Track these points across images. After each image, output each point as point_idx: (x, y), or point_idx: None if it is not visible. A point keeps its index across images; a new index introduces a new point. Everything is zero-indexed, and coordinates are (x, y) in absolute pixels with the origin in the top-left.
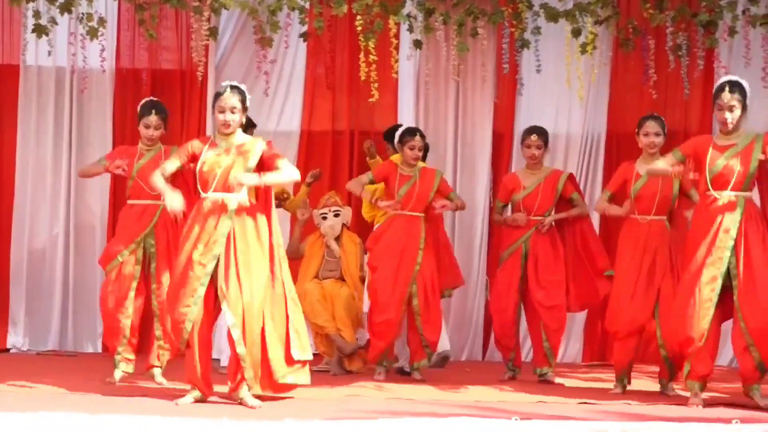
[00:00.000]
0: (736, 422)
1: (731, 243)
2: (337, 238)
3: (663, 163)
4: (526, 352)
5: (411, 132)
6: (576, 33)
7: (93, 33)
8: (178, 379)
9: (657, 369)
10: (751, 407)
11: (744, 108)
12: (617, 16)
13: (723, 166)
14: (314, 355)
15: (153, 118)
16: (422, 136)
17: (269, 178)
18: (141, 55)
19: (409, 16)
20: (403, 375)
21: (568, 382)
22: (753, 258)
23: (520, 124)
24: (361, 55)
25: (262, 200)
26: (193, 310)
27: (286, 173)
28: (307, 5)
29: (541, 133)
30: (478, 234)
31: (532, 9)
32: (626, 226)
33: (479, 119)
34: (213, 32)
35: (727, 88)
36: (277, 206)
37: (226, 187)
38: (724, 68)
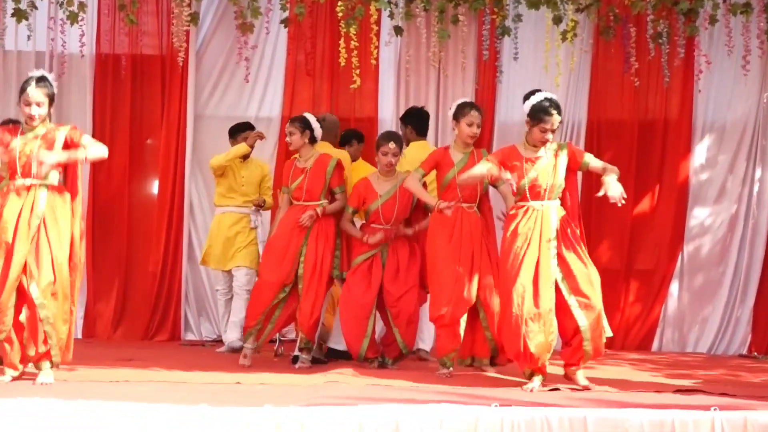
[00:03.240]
0: (715, 409)
1: (554, 251)
2: None
3: (479, 169)
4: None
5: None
6: (557, 20)
7: (73, 18)
8: None
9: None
10: (730, 394)
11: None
12: (598, 4)
13: (535, 176)
14: (294, 341)
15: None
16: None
17: (73, 155)
18: (121, 40)
19: (390, 2)
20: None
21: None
22: (575, 261)
23: (501, 111)
24: (342, 42)
25: (70, 183)
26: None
27: (92, 150)
28: None
29: (397, 140)
30: None
31: None
32: (438, 213)
33: None
34: (194, 18)
35: (555, 114)
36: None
37: (36, 173)
38: (704, 56)
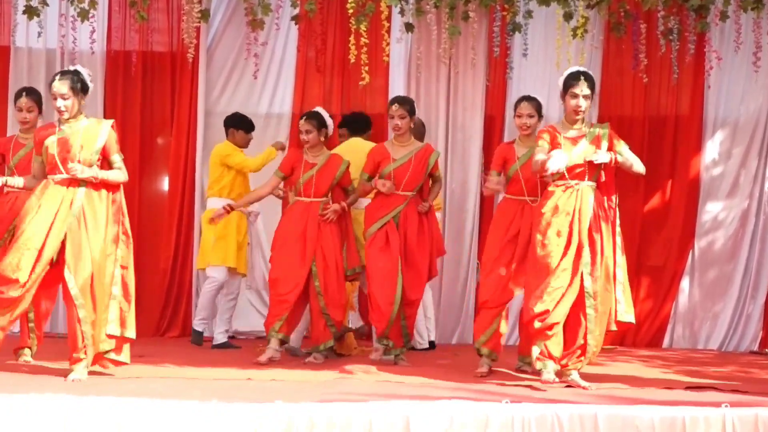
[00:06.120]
0: (726, 406)
1: (585, 232)
2: None
3: (539, 154)
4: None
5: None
6: (567, 17)
7: (84, 15)
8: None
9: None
10: (741, 391)
11: (592, 98)
12: (609, 0)
13: (577, 156)
14: (305, 338)
15: (24, 100)
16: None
17: (105, 175)
18: (132, 37)
19: None
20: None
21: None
22: (604, 243)
23: (512, 108)
24: (352, 38)
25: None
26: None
27: (119, 174)
28: None
29: (403, 102)
30: (469, 217)
31: None
32: (503, 205)
33: (470, 102)
34: (204, 14)
35: (582, 78)
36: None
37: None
38: (715, 52)
